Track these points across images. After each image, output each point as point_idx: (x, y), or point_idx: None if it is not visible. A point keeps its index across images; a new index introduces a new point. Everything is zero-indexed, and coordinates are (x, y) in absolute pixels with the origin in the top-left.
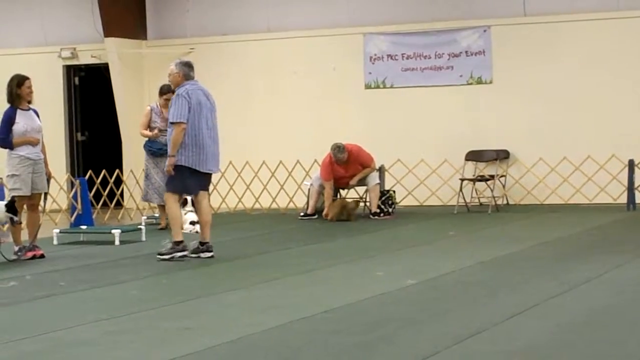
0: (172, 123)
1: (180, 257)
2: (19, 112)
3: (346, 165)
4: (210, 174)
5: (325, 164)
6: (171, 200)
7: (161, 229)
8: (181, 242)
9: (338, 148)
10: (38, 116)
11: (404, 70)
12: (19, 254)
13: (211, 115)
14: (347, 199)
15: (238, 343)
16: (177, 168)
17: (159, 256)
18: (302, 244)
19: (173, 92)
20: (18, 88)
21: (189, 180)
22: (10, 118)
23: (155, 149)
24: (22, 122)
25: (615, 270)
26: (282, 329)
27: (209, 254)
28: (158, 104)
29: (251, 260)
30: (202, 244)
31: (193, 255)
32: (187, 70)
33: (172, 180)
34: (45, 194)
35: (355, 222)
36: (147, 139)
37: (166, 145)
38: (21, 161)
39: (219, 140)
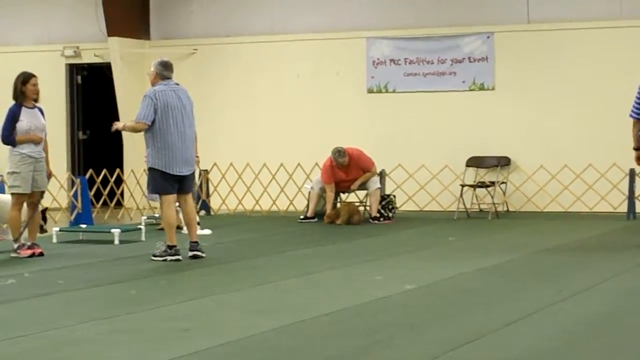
0: (136, 123)
1: (172, 260)
2: (23, 109)
3: (347, 169)
4: (189, 176)
5: (326, 168)
6: (166, 204)
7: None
8: (174, 246)
9: (339, 152)
10: (43, 115)
11: (407, 75)
12: (18, 251)
13: (182, 116)
14: (354, 205)
15: (236, 345)
16: (150, 170)
17: (152, 257)
18: (301, 247)
19: None
20: (23, 85)
21: (163, 182)
22: (14, 115)
23: None
24: (26, 120)
25: (614, 278)
26: (281, 331)
27: (201, 254)
28: None
29: (250, 262)
30: (191, 243)
31: (159, 258)
32: (161, 69)
33: (149, 183)
34: (42, 191)
35: (360, 226)
36: None
37: None
38: (22, 159)
39: (192, 141)
